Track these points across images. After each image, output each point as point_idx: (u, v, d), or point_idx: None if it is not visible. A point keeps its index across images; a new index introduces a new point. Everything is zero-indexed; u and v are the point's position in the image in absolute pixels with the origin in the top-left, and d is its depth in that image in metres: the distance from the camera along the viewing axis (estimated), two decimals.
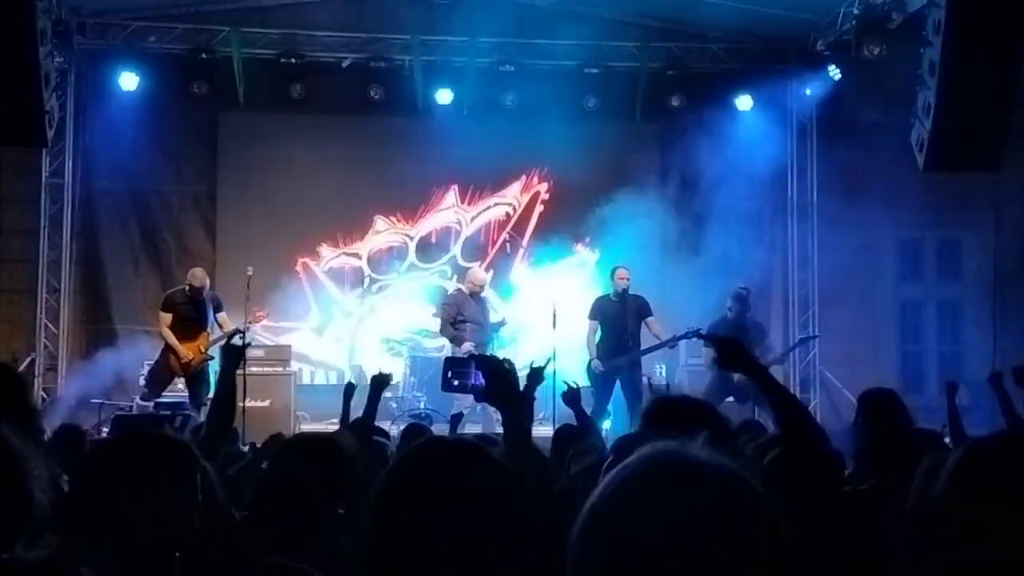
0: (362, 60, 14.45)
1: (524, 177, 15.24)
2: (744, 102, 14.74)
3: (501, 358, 3.58)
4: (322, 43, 14.52)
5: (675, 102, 14.62)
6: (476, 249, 15.28)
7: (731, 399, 11.52)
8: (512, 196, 15.34)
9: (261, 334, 14.39)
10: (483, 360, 3.63)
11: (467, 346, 12.12)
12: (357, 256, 15.18)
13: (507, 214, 15.33)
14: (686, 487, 1.47)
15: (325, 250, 15.06)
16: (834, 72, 14.11)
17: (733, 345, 3.84)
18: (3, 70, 10.45)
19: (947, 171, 12.16)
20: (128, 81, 13.95)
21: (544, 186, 15.21)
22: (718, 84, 14.77)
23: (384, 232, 15.23)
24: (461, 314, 12.76)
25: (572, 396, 6.17)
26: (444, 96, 14.52)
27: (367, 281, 15.15)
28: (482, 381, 3.60)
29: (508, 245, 15.01)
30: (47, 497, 2.17)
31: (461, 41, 14.31)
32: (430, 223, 15.28)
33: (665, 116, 14.88)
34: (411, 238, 15.26)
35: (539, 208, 15.25)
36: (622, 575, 1.44)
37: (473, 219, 15.34)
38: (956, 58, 10.78)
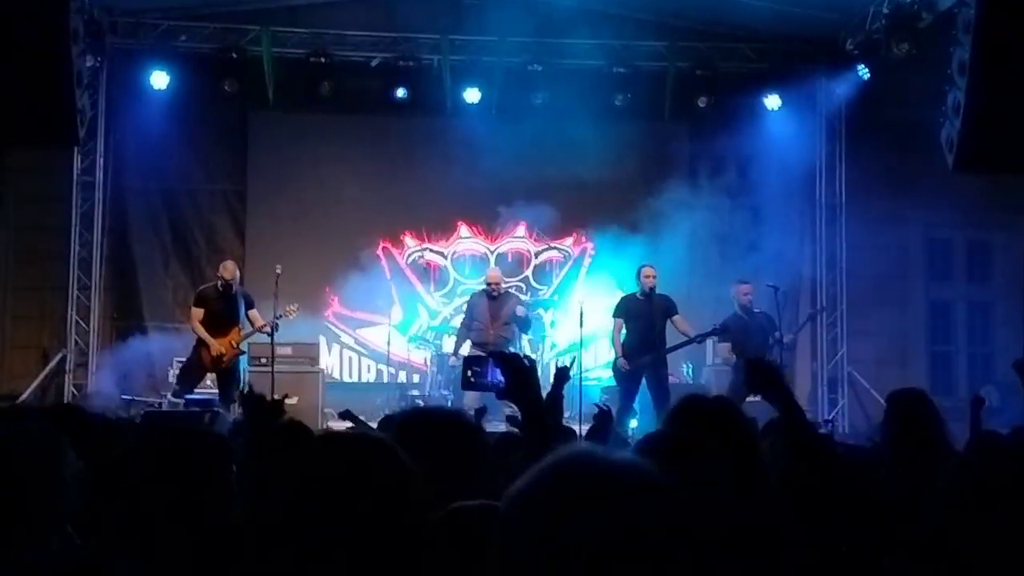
0: (391, 60, 14.49)
1: (575, 233, 15.46)
2: (773, 101, 14.71)
3: (522, 355, 3.57)
4: (351, 42, 14.57)
5: (703, 102, 14.59)
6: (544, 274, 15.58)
7: (757, 397, 11.47)
8: (567, 246, 15.59)
9: (338, 325, 14.78)
10: (501, 357, 3.62)
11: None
12: (443, 255, 15.39)
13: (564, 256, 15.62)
14: (588, 491, 1.51)
15: (409, 239, 15.31)
16: (863, 71, 14.04)
17: (764, 367, 3.80)
18: (36, 69, 10.54)
19: (977, 171, 12.09)
20: (159, 80, 14.05)
21: (590, 246, 15.41)
22: (747, 84, 14.73)
23: (467, 239, 15.44)
24: (471, 315, 12.91)
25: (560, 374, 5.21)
26: (472, 95, 14.55)
27: (452, 281, 15.33)
28: (500, 378, 3.60)
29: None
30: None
31: (490, 40, 14.32)
32: (507, 245, 15.51)
33: (693, 116, 14.84)
34: (491, 252, 15.44)
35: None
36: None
37: (537, 254, 15.60)
38: (986, 58, 10.71)
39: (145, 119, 14.20)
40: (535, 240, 15.47)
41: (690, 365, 14.09)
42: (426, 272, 15.24)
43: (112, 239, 14.62)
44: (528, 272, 15.55)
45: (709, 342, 12.85)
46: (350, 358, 15.20)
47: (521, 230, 15.41)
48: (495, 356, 3.73)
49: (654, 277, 11.86)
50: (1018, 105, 10.79)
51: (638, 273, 12.00)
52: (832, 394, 14.78)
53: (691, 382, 13.96)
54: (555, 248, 15.57)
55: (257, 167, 15.07)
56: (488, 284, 12.98)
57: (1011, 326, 14.52)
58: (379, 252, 15.11)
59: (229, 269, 12.17)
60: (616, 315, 12.01)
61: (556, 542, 1.47)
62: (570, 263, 15.55)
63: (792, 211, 15.12)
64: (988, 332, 15.43)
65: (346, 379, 15.06)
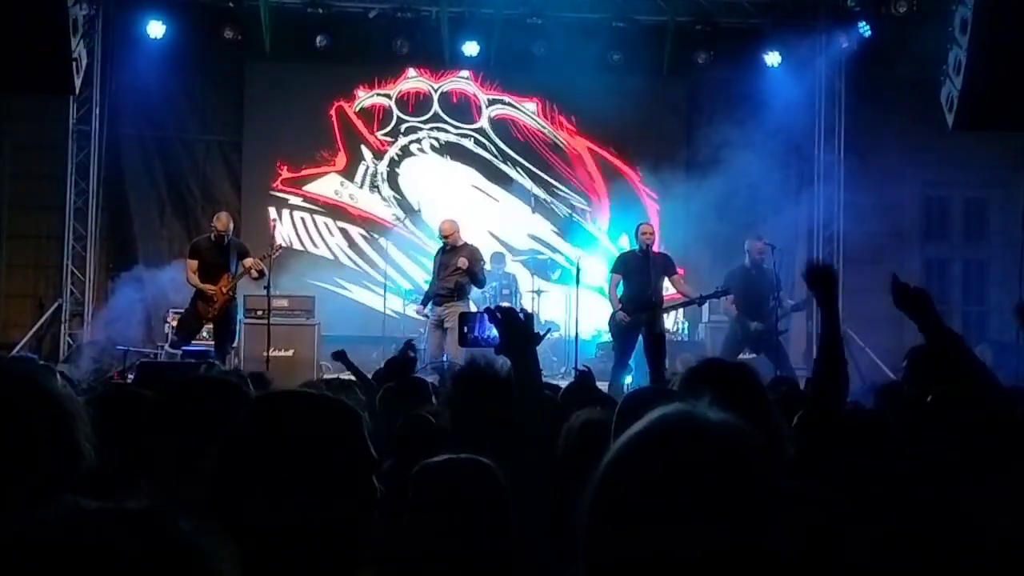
0: (389, 11, 14.39)
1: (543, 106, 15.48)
2: (773, 58, 14.63)
3: (519, 308, 3.56)
4: None
5: (702, 57, 14.52)
6: (512, 140, 15.54)
7: (751, 355, 11.54)
8: (531, 113, 15.58)
9: (285, 190, 15.04)
10: (495, 312, 3.61)
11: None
12: (388, 96, 15.46)
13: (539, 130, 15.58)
14: (692, 448, 1.52)
15: (361, 92, 15.40)
16: (864, 29, 13.96)
17: (915, 292, 3.71)
18: (31, 18, 10.48)
19: (976, 129, 12.07)
20: (156, 29, 13.96)
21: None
22: (747, 40, 14.66)
23: (413, 79, 15.49)
24: (432, 268, 12.76)
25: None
26: (471, 48, 14.47)
27: (395, 119, 15.43)
28: (494, 333, 3.58)
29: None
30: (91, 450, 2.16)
31: None
32: (450, 84, 15.52)
33: (692, 71, 14.77)
34: (435, 90, 15.49)
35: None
36: (633, 539, 1.49)
37: (490, 104, 15.58)
38: (988, 16, 10.67)
39: (142, 68, 14.08)
40: (483, 86, 15.46)
41: (686, 322, 14.11)
42: (369, 114, 15.34)
43: (108, 188, 14.56)
44: (483, 123, 15.55)
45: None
46: (302, 219, 15.24)
47: (466, 73, 15.45)
48: (488, 312, 3.72)
49: (652, 234, 11.82)
50: (1019, 64, 10.76)
51: (636, 230, 11.97)
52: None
53: (687, 339, 14.00)
54: (512, 105, 15.56)
55: (253, 117, 15.00)
56: (441, 237, 12.65)
57: (1006, 285, 14.50)
58: (332, 112, 15.21)
59: (223, 220, 12.12)
60: (614, 270, 11.99)
61: (666, 501, 1.48)
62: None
63: (790, 169, 15.07)
64: (983, 291, 15.44)
65: (309, 249, 15.15)
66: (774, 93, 14.52)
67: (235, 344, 12.47)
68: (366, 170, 15.37)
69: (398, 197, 15.36)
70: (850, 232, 14.85)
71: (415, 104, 15.42)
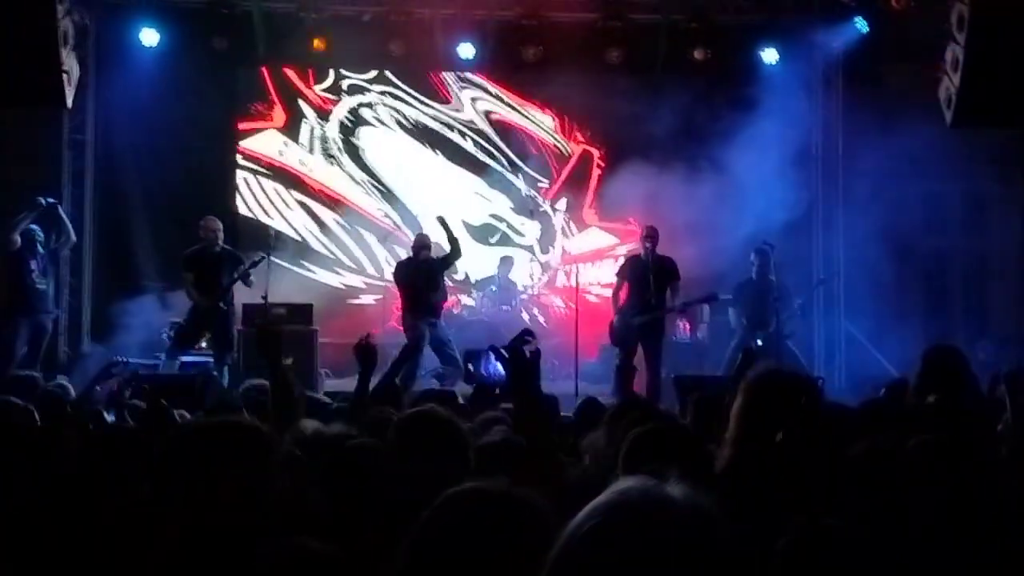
0: (382, 14, 14.31)
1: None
2: (769, 55, 14.55)
3: (527, 346, 3.44)
4: None
5: (698, 55, 14.44)
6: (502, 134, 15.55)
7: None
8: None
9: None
10: (501, 351, 3.53)
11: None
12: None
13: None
14: (655, 531, 1.47)
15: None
16: (861, 24, 13.88)
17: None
18: (21, 31, 10.43)
19: (975, 126, 12.02)
20: (149, 37, 13.89)
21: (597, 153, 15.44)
22: (743, 37, 14.58)
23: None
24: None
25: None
26: (466, 51, 14.40)
27: (332, 75, 15.39)
28: (500, 372, 3.52)
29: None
30: None
31: None
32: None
33: (688, 69, 14.68)
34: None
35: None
36: None
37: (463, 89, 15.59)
38: (986, 13, 10.61)
39: (136, 76, 14.02)
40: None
41: (686, 325, 14.06)
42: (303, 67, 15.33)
43: (103, 198, 14.49)
44: (466, 112, 15.51)
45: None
46: (244, 179, 15.28)
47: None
48: (495, 350, 3.62)
49: (652, 238, 11.78)
50: (1017, 61, 10.70)
51: (641, 234, 11.97)
52: (829, 349, 14.75)
53: (688, 341, 13.95)
54: (498, 98, 15.54)
55: (250, 124, 14.97)
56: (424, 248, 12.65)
57: (1006, 280, 14.45)
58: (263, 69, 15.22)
59: (206, 226, 12.10)
60: (618, 275, 12.00)
61: None
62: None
63: (789, 165, 14.97)
64: (983, 286, 15.36)
65: (260, 216, 15.19)
66: (772, 90, 14.42)
67: (234, 353, 12.42)
68: (311, 132, 15.24)
69: (373, 182, 15.25)
70: (850, 228, 14.77)
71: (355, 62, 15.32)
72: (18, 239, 12.08)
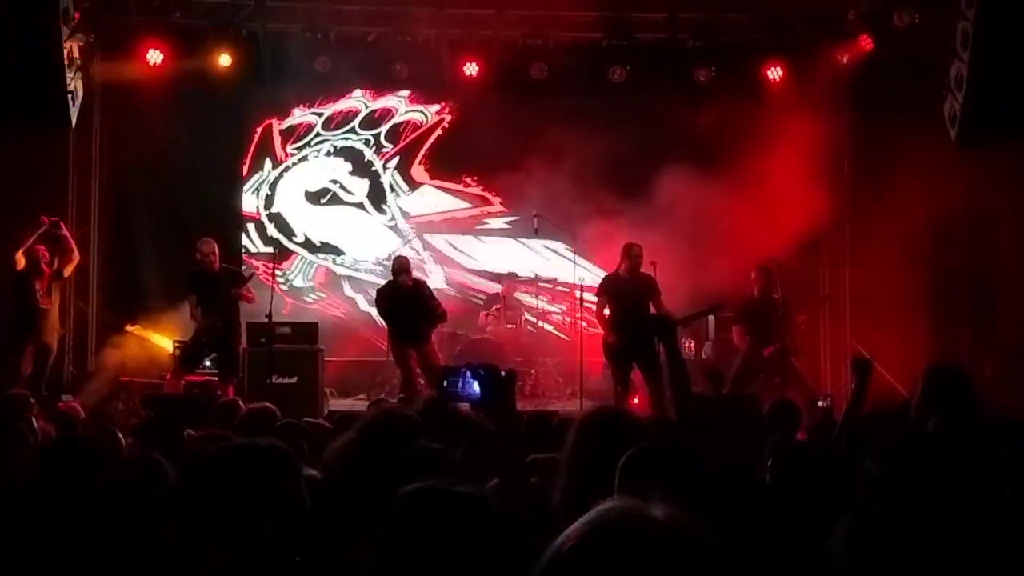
0: (388, 34, 14.33)
1: None
2: (775, 74, 14.53)
3: (503, 371, 3.47)
4: (348, 16, 14.39)
5: (703, 74, 14.43)
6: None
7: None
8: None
9: None
10: (479, 369, 3.53)
11: None
12: (319, 115, 15.66)
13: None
14: (637, 552, 1.46)
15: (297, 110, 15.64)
16: (866, 43, 13.86)
17: None
18: (26, 51, 10.45)
19: (980, 144, 11.98)
20: (153, 57, 13.91)
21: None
22: (748, 56, 14.56)
23: (355, 99, 15.73)
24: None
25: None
26: (471, 70, 14.41)
27: (313, 134, 15.59)
28: (475, 389, 3.51)
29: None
30: None
31: (488, 14, 14.19)
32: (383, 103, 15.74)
33: (693, 88, 14.67)
34: (367, 106, 15.71)
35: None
36: None
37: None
38: (989, 30, 10.58)
39: (140, 96, 14.06)
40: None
41: (691, 341, 14.01)
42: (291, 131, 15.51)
43: (108, 219, 14.52)
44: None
45: (712, 316, 12.84)
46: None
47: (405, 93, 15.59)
48: (472, 368, 3.63)
49: (637, 256, 11.77)
50: (1021, 77, 10.67)
51: (625, 251, 11.92)
52: (835, 368, 14.69)
53: (692, 356, 13.90)
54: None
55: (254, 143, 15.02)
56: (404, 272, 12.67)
57: (1013, 296, 14.37)
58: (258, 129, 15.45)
59: (203, 249, 12.13)
60: (600, 293, 11.98)
61: None
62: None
63: (794, 184, 14.93)
64: (990, 303, 15.27)
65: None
66: (777, 109, 14.40)
67: (239, 373, 12.43)
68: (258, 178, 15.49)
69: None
70: (856, 247, 14.74)
71: (338, 122, 15.56)
72: (22, 259, 12.12)
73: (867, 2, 13.54)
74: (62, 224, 12.61)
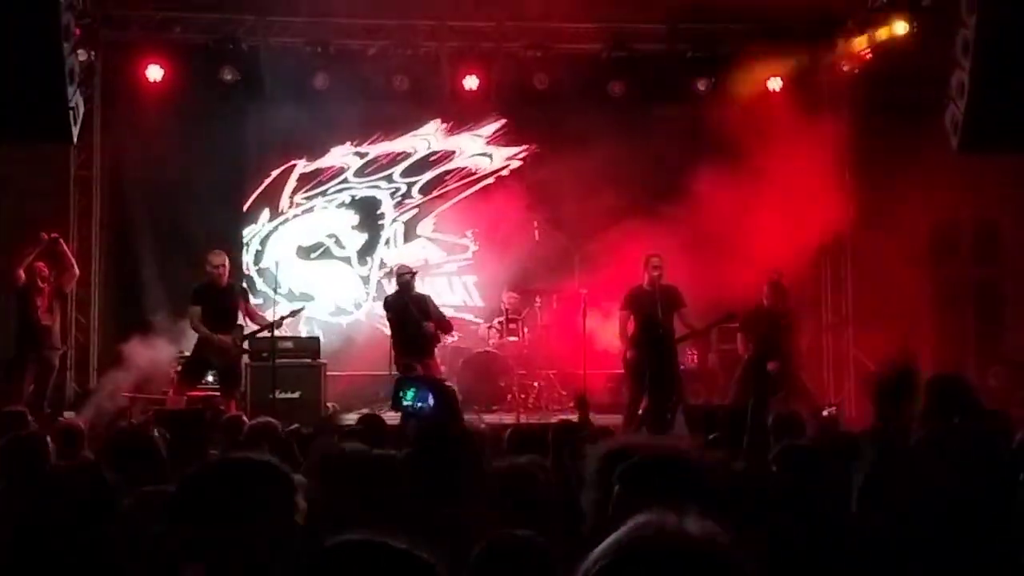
0: (389, 47, 14.34)
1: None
2: (774, 83, 14.53)
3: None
4: (348, 30, 14.41)
5: (703, 83, 14.44)
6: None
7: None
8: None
9: None
10: (437, 384, 3.53)
11: None
12: (361, 156, 15.65)
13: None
14: (672, 567, 1.46)
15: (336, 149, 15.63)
16: (866, 51, 13.86)
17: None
18: (27, 66, 10.41)
19: (982, 152, 11.92)
20: (154, 73, 13.93)
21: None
22: (747, 65, 14.56)
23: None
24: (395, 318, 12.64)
25: None
26: (471, 82, 14.42)
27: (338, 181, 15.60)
28: (430, 402, 3.52)
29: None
30: None
31: (488, 26, 14.21)
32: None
33: (693, 98, 14.68)
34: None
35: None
36: None
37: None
38: (990, 37, 10.55)
39: (141, 112, 14.08)
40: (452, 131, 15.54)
41: (695, 353, 14.00)
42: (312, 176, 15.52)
43: (110, 234, 14.52)
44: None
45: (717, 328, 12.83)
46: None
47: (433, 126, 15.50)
48: (430, 383, 3.63)
49: (659, 267, 11.73)
50: (1022, 85, 10.63)
51: (645, 263, 11.89)
52: (838, 377, 14.66)
53: (696, 366, 13.89)
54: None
55: (255, 158, 14.98)
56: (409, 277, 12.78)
57: (1018, 306, 14.34)
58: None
59: (212, 261, 12.07)
60: (623, 307, 11.92)
61: None
62: None
63: (795, 192, 14.91)
64: (996, 311, 15.24)
65: None
66: (777, 117, 14.39)
67: (241, 388, 12.40)
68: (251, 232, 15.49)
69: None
70: (859, 255, 14.71)
71: (381, 165, 15.56)
72: (23, 275, 12.10)
73: (866, 11, 13.52)
74: (61, 240, 12.58)
